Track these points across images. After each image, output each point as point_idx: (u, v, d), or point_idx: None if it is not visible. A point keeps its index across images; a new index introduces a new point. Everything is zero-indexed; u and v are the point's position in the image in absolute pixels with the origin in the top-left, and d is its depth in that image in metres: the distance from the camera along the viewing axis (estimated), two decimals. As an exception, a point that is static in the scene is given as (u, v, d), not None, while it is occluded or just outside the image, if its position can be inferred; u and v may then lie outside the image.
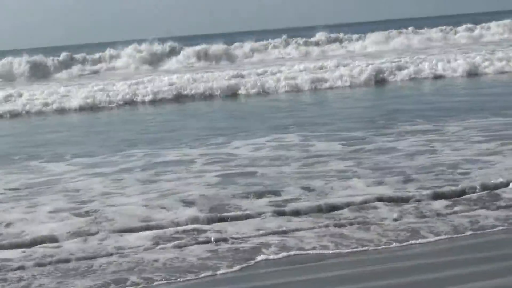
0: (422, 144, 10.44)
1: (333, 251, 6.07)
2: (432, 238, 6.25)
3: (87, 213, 7.71)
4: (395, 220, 6.82)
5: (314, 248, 6.15)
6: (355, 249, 6.07)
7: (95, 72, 33.15)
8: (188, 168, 9.85)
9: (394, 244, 6.14)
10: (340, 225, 6.77)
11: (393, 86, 21.53)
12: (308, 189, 8.17)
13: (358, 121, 13.49)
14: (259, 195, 7.99)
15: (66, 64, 33.99)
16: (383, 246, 6.10)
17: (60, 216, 7.65)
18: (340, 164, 9.45)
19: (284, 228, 6.75)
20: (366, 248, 6.09)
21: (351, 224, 6.77)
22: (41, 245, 6.69)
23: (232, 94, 21.24)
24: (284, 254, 6.06)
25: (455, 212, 6.98)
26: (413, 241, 6.18)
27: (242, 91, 21.29)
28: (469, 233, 6.32)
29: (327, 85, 21.81)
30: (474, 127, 11.62)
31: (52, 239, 6.85)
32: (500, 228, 6.41)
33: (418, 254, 5.87)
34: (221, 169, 9.64)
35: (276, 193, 8.06)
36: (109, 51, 35.52)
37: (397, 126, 12.30)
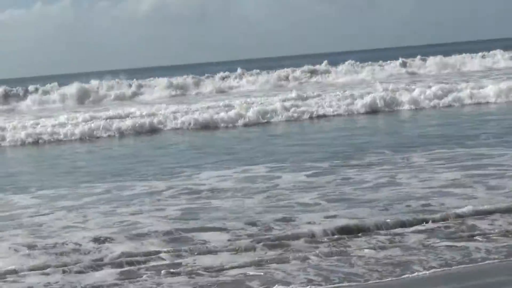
0: (389, 176, 10.43)
1: (331, 285, 5.98)
2: (426, 272, 6.17)
3: (48, 248, 7.58)
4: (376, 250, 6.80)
5: (304, 283, 6.03)
6: (348, 284, 6.00)
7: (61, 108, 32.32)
8: (152, 201, 9.79)
9: (390, 278, 6.08)
10: (318, 257, 6.70)
11: (363, 117, 21.51)
12: (273, 221, 8.13)
13: (326, 152, 13.48)
14: (222, 229, 7.94)
15: (34, 96, 33.49)
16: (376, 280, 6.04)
17: (20, 250, 7.53)
18: (306, 196, 9.42)
19: (257, 259, 6.69)
20: (359, 282, 6.02)
21: (329, 256, 6.71)
22: (3, 279, 6.57)
23: (204, 126, 21.07)
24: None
25: (432, 243, 6.97)
26: (408, 275, 6.11)
27: (218, 123, 21.11)
28: (461, 265, 6.30)
29: (299, 115, 21.76)
30: (441, 158, 11.68)
31: (13, 273, 6.74)
32: (492, 258, 6.44)
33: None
34: (186, 202, 9.57)
35: (239, 226, 8.01)
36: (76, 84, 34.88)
37: (365, 157, 12.32)
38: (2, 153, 18.62)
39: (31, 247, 7.65)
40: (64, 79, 36.73)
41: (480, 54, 42.12)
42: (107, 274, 6.59)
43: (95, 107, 28.98)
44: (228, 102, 24.19)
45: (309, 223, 7.97)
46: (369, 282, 6.00)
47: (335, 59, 43.59)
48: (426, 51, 53.00)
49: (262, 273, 6.34)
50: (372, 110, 22.11)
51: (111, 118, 22.09)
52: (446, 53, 43.35)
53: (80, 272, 6.71)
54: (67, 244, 7.67)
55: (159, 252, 7.13)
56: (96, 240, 7.76)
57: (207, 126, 20.84)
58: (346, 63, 39.75)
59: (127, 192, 10.67)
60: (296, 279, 6.14)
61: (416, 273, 6.12)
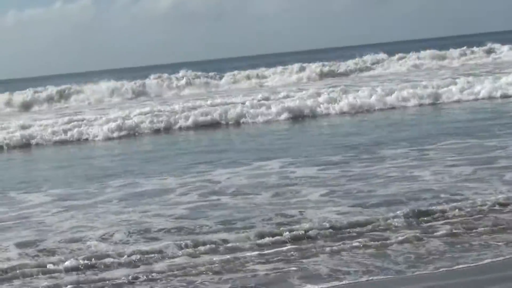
0: (404, 169, 10.29)
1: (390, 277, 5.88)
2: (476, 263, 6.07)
3: (54, 249, 7.49)
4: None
5: (356, 275, 5.92)
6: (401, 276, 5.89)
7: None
8: (163, 199, 9.68)
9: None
10: (348, 251, 6.59)
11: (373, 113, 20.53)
12: (285, 217, 8.04)
13: (340, 147, 13.33)
14: (235, 228, 7.80)
15: (46, 96, 33.19)
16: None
17: (27, 251, 7.44)
18: (317, 191, 9.31)
19: (284, 254, 6.58)
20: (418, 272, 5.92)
21: (357, 248, 6.61)
22: (11, 282, 6.47)
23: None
24: (339, 283, 5.80)
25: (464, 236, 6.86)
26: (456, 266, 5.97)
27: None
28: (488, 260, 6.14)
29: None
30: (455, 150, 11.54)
31: (25, 275, 6.63)
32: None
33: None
34: (197, 200, 9.46)
35: (253, 222, 7.92)
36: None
37: (379, 151, 12.16)
38: (15, 154, 18.42)
39: (38, 246, 7.59)
40: (84, 78, 36.64)
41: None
42: (124, 274, 6.46)
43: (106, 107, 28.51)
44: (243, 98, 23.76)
45: (321, 218, 7.81)
46: (415, 273, 5.89)
47: (355, 52, 43.27)
48: (444, 43, 52.53)
49: (295, 268, 6.21)
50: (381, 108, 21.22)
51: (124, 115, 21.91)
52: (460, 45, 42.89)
53: (93, 272, 6.60)
54: (72, 245, 7.57)
55: (174, 252, 6.97)
56: (108, 239, 7.68)
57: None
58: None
59: (141, 189, 10.61)
60: (339, 273, 6.00)
61: (465, 265, 5.99)
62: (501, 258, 6.12)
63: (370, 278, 5.85)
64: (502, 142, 11.95)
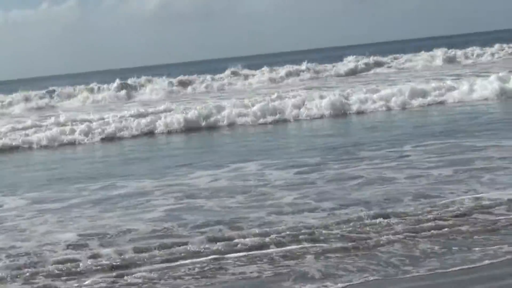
0: (380, 171, 10.25)
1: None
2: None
3: (27, 254, 7.38)
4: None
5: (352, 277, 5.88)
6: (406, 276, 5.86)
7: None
8: (140, 202, 9.62)
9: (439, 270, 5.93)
10: (335, 252, 6.53)
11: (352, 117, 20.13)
12: (258, 221, 7.94)
13: (320, 149, 13.28)
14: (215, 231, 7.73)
15: (29, 99, 33.05)
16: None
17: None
18: (292, 194, 9.26)
19: (270, 258, 6.52)
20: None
21: (343, 250, 6.56)
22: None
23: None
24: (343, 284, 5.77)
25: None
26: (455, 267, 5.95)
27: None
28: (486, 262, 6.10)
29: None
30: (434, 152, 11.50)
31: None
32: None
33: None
34: (174, 203, 9.39)
35: (225, 226, 7.85)
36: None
37: (358, 153, 12.13)
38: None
39: (11, 252, 7.50)
40: (72, 79, 36.62)
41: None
42: (100, 279, 6.37)
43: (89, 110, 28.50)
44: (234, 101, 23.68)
45: (301, 220, 7.78)
46: (407, 275, 5.86)
47: (346, 53, 43.25)
48: (444, 43, 52.65)
49: (285, 271, 6.15)
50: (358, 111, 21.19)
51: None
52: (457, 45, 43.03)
53: (67, 278, 6.50)
54: (44, 251, 7.46)
55: (152, 256, 6.88)
56: (82, 244, 7.59)
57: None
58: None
59: (119, 191, 10.55)
60: (349, 278, 5.93)
61: (451, 268, 5.95)
62: (488, 258, 6.10)
63: (364, 279, 5.84)
64: (481, 143, 11.93)
